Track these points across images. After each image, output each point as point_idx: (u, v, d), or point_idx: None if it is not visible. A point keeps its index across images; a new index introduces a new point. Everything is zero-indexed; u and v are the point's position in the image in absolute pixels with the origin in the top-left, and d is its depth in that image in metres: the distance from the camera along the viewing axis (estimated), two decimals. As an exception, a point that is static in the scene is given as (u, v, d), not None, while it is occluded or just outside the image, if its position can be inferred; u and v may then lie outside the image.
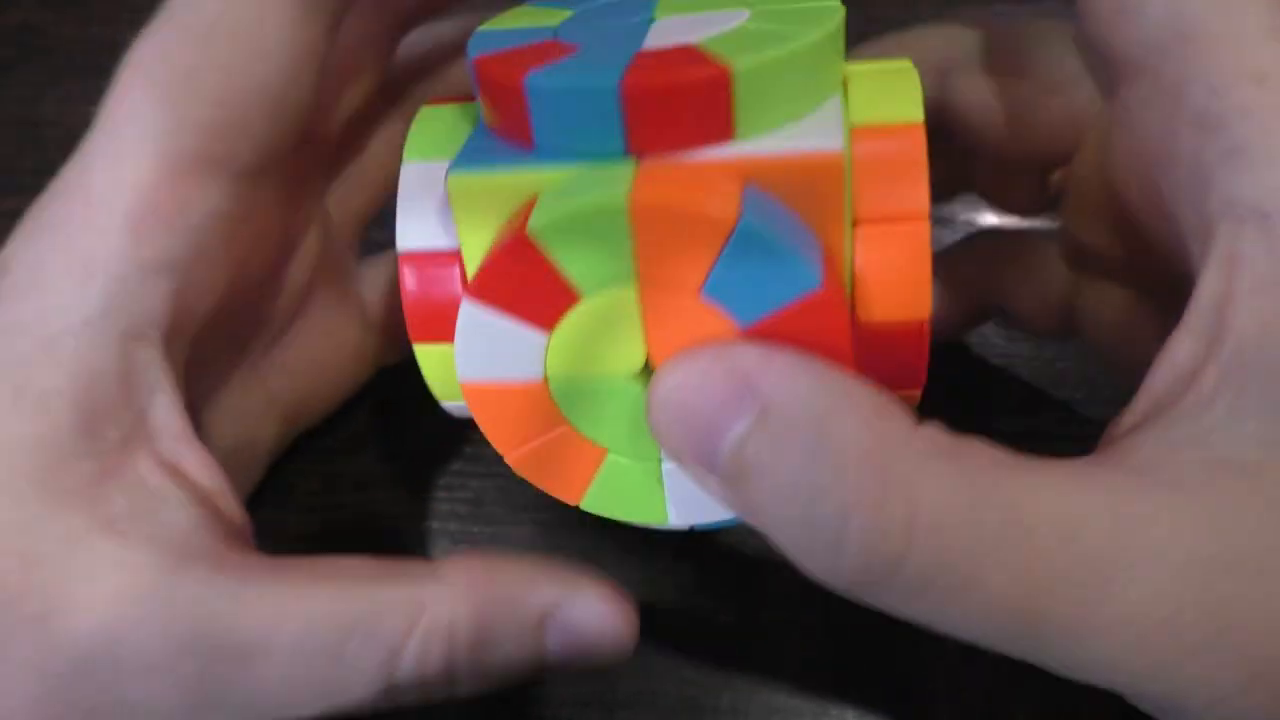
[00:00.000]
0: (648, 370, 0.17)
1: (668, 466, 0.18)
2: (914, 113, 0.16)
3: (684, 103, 0.15)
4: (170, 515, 0.18)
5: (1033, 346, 0.28)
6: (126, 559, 0.17)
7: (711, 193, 0.15)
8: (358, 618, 0.17)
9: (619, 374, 0.17)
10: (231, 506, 0.19)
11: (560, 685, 0.23)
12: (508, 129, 0.16)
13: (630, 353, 0.16)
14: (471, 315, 0.16)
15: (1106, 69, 0.17)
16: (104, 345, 0.18)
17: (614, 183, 0.15)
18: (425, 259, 0.18)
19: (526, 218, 0.15)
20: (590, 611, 0.18)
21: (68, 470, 0.17)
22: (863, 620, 0.22)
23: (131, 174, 0.18)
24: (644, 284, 0.15)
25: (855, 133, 0.16)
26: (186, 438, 0.19)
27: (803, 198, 0.15)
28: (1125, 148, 0.18)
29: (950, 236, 0.29)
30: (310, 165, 0.23)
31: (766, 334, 0.15)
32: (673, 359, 0.15)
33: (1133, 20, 0.16)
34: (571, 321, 0.16)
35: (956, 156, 0.24)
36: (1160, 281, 0.19)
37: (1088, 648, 0.14)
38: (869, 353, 0.17)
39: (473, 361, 0.17)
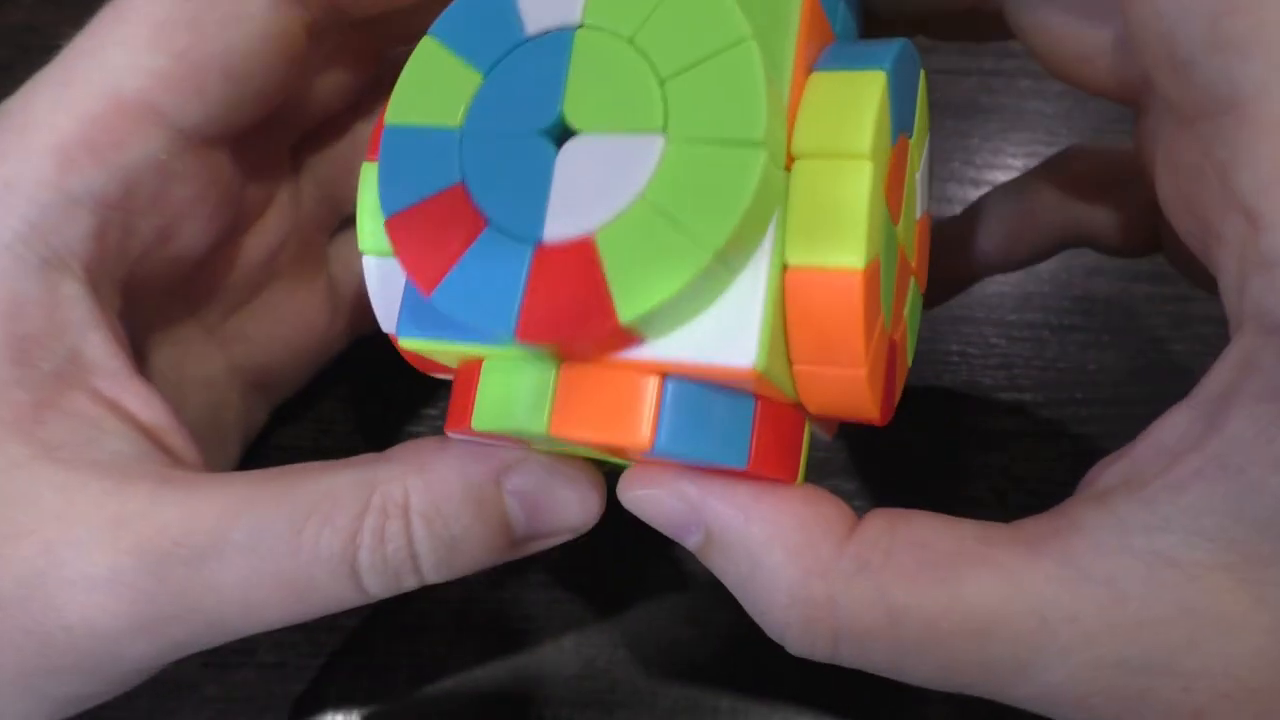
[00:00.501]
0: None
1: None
2: (853, 255, 0.15)
3: (584, 341, 0.15)
4: (112, 444, 0.18)
5: (1033, 346, 0.28)
6: (69, 482, 0.17)
7: (626, 413, 0.15)
8: (310, 504, 0.17)
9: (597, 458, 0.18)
10: (180, 442, 0.19)
11: (560, 686, 0.23)
12: None
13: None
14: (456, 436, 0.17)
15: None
16: (25, 272, 0.17)
17: (536, 402, 0.16)
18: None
19: (472, 401, 0.16)
20: (549, 467, 0.18)
21: (2, 401, 0.17)
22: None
23: (74, 105, 0.18)
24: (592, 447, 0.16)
25: (789, 275, 0.15)
26: (125, 374, 0.18)
27: (726, 385, 0.15)
28: (1169, 184, 0.17)
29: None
30: (278, 144, 0.23)
31: (709, 473, 0.17)
32: (635, 474, 0.17)
33: (1185, 79, 0.15)
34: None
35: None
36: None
37: (1024, 707, 0.16)
38: (826, 420, 0.18)
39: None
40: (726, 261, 0.14)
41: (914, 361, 0.21)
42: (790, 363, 0.16)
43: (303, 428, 0.27)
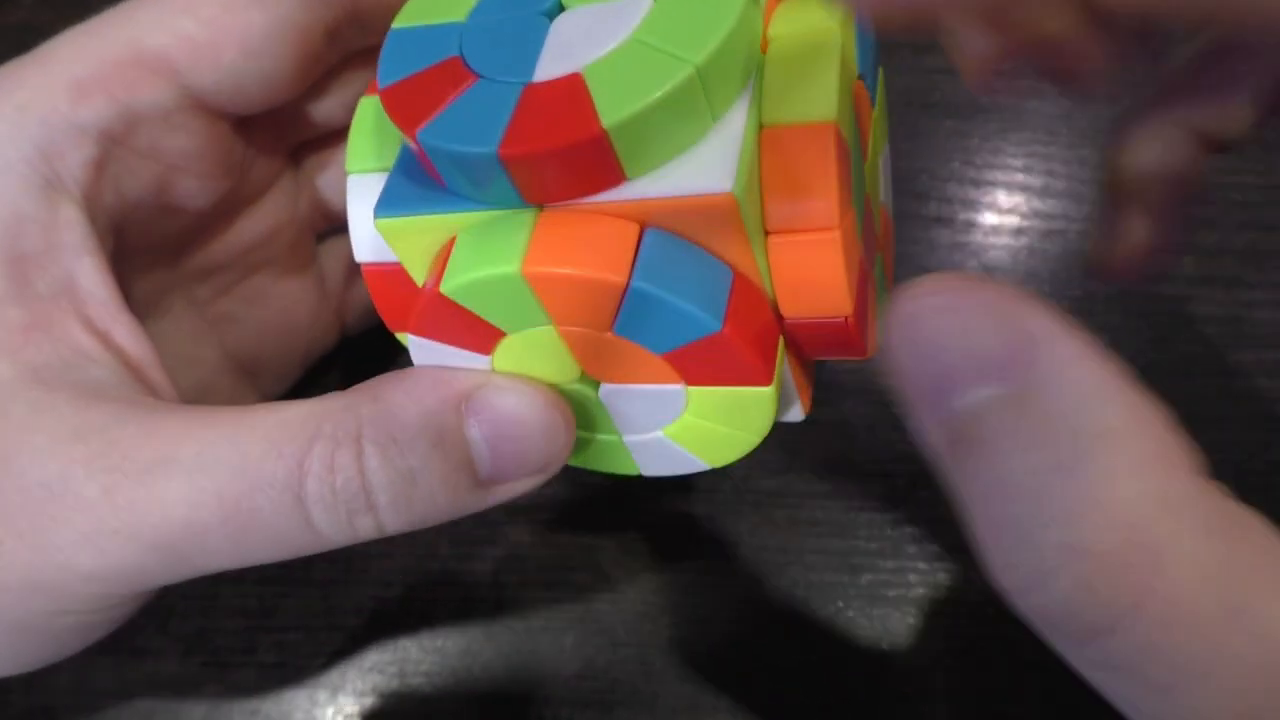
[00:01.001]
0: (586, 379, 0.17)
1: (630, 439, 0.18)
2: (825, 108, 0.15)
3: (564, 163, 0.15)
4: (95, 371, 0.18)
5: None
6: (41, 400, 0.17)
7: (602, 252, 0.15)
8: (258, 431, 0.16)
9: (561, 383, 0.18)
10: (160, 378, 0.19)
11: (560, 686, 0.23)
12: (423, 164, 0.16)
13: (565, 369, 0.17)
14: (419, 344, 0.17)
15: None
16: (28, 192, 0.18)
17: (510, 245, 0.15)
18: (382, 269, 0.18)
19: (442, 270, 0.16)
20: (512, 395, 0.17)
21: None
22: (863, 621, 0.22)
23: (96, 49, 0.19)
24: (559, 326, 0.16)
25: (764, 135, 0.16)
26: (115, 305, 0.19)
27: (702, 231, 0.15)
28: None
29: (949, 237, 0.29)
30: (282, 139, 0.23)
31: (683, 359, 0.16)
32: (937, 278, 0.12)
33: None
34: (506, 346, 0.17)
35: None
36: None
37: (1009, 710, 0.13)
38: (801, 339, 0.17)
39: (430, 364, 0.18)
40: (707, 89, 0.15)
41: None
42: (765, 233, 0.16)
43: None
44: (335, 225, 0.26)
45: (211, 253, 0.23)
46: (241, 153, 0.22)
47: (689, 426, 0.18)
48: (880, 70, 0.20)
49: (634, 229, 0.15)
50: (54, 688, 0.24)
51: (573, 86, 0.15)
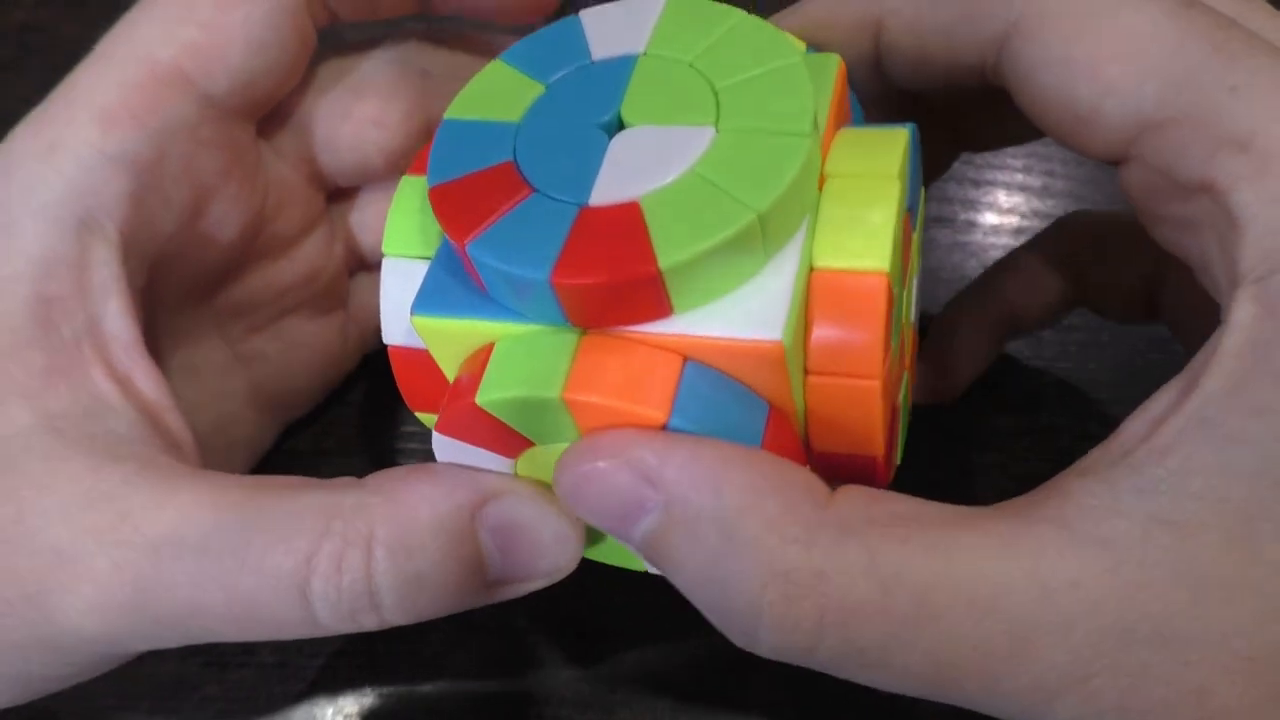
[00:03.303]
0: None
1: None
2: (879, 258, 0.15)
3: (615, 296, 0.15)
4: (111, 422, 0.18)
5: (1033, 346, 0.28)
6: (56, 453, 0.17)
7: (644, 387, 0.15)
8: (268, 518, 0.16)
9: None
10: (177, 424, 0.19)
11: (560, 686, 0.23)
12: (466, 267, 0.16)
13: None
14: (444, 442, 0.17)
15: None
16: (61, 232, 0.18)
17: (552, 367, 0.15)
18: (410, 353, 0.18)
19: (478, 378, 0.16)
20: (528, 504, 0.17)
21: (17, 359, 0.17)
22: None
23: (113, 74, 0.19)
24: None
25: (815, 277, 0.16)
26: (138, 349, 0.19)
27: (745, 371, 0.15)
28: (1143, 204, 0.18)
29: (950, 237, 0.29)
30: (311, 171, 0.24)
31: None
32: (574, 449, 0.15)
33: (1096, 127, 0.16)
34: (532, 454, 0.17)
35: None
36: None
37: (1002, 705, 0.15)
38: (827, 468, 0.17)
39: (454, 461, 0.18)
40: (765, 233, 0.15)
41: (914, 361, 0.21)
42: (805, 372, 0.16)
43: (302, 431, 0.27)
44: (369, 265, 0.26)
45: (247, 291, 0.23)
46: (267, 172, 0.22)
47: None
48: (923, 192, 0.20)
49: (676, 364, 0.15)
50: (54, 688, 0.24)
51: (629, 216, 0.15)
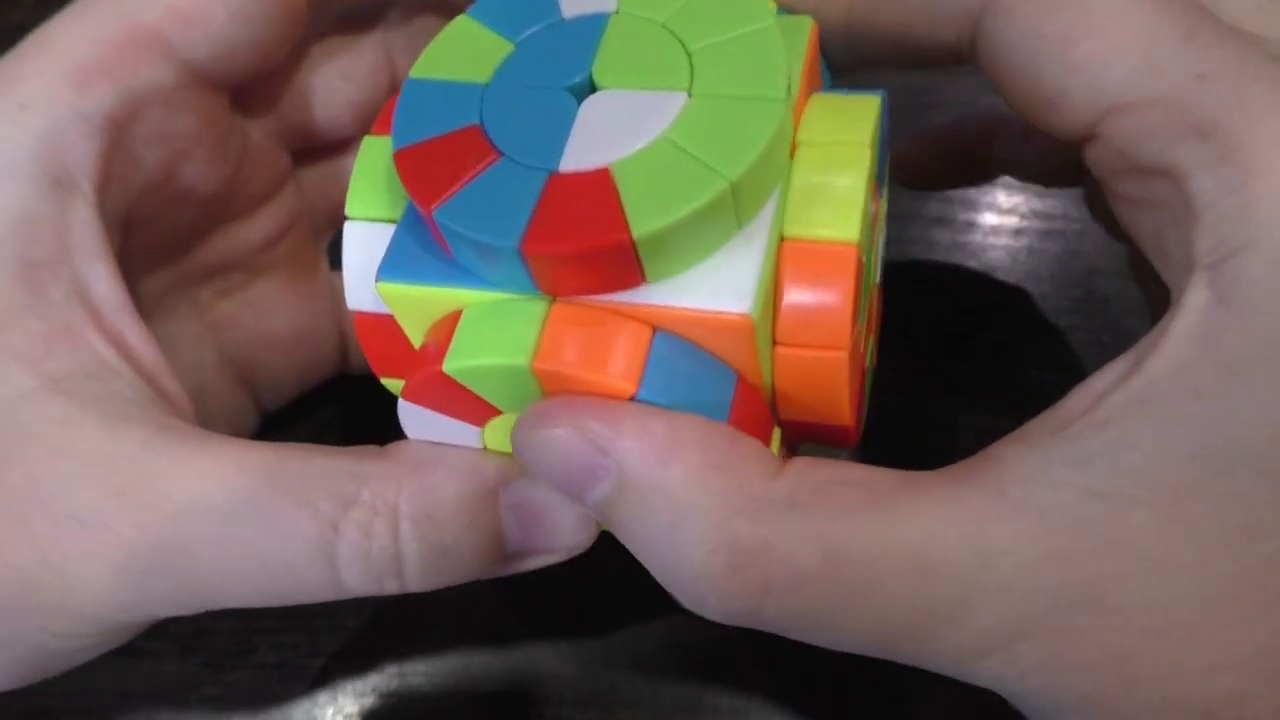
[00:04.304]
0: None
1: None
2: (849, 228, 0.15)
3: (586, 265, 0.15)
4: (115, 384, 0.17)
5: (1033, 345, 0.28)
6: (69, 417, 0.17)
7: (614, 358, 0.15)
8: (297, 483, 0.16)
9: None
10: (174, 388, 0.19)
11: (560, 686, 0.23)
12: (433, 232, 0.16)
13: None
14: (410, 410, 0.17)
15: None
16: (38, 193, 0.18)
17: (521, 335, 0.15)
18: (374, 318, 0.18)
19: (445, 345, 0.15)
20: (551, 490, 0.17)
21: (14, 327, 0.17)
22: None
23: (90, 31, 0.18)
24: None
25: (784, 246, 0.16)
26: (128, 312, 0.19)
27: (714, 344, 0.15)
28: (1104, 183, 0.18)
29: (950, 237, 0.29)
30: (282, 136, 0.23)
31: None
32: (530, 412, 0.15)
33: (1061, 107, 0.17)
34: (499, 422, 0.17)
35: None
36: None
37: (940, 663, 0.15)
38: (796, 435, 0.17)
39: (417, 434, 0.18)
40: (738, 201, 0.15)
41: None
42: (773, 343, 0.16)
43: (301, 429, 0.27)
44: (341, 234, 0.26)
45: (215, 252, 0.23)
46: (241, 135, 0.22)
47: None
48: (888, 155, 0.20)
49: (646, 334, 0.15)
50: (54, 688, 0.24)
51: (600, 183, 0.15)
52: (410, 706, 0.24)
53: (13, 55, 0.19)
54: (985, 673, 0.15)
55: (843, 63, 0.20)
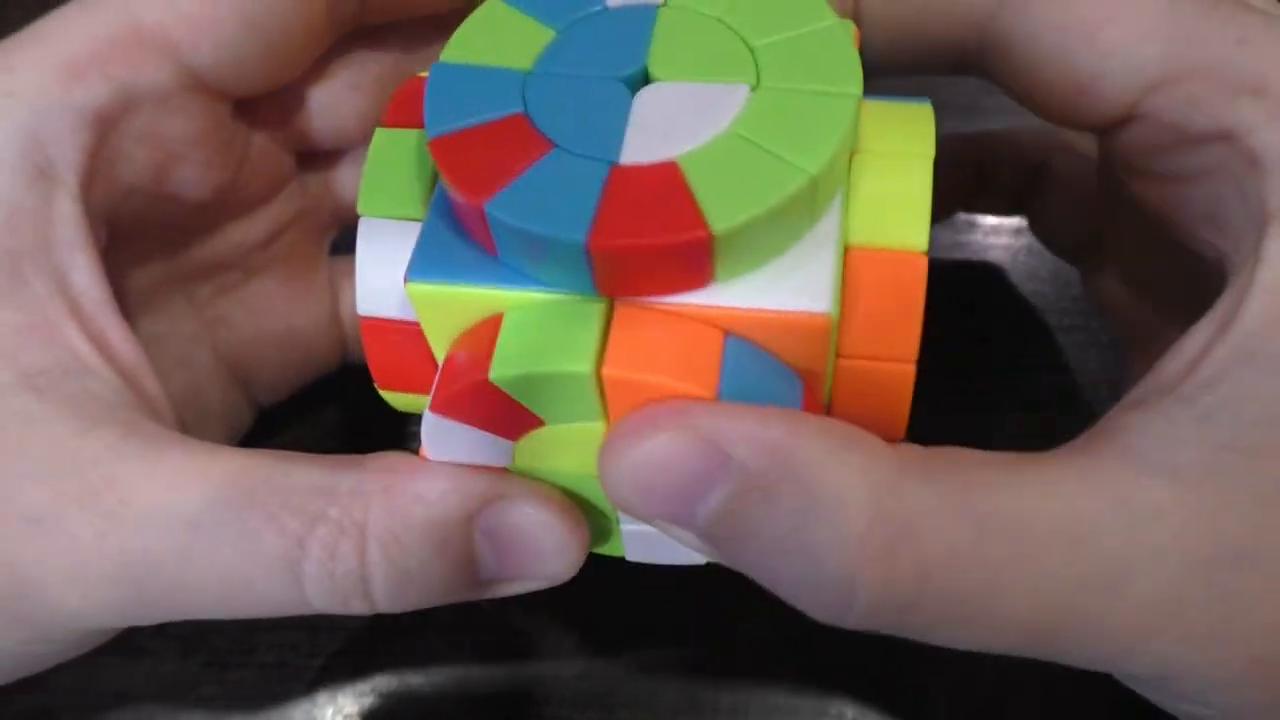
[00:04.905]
0: None
1: (627, 529, 0.17)
2: (918, 237, 0.15)
3: (657, 262, 0.14)
4: (90, 383, 0.17)
5: (1033, 346, 0.28)
6: (36, 414, 0.16)
7: (688, 362, 0.14)
8: (263, 496, 0.16)
9: (585, 472, 0.16)
10: (154, 388, 0.19)
11: (560, 686, 0.23)
12: (470, 227, 0.15)
13: (591, 460, 0.15)
14: (436, 423, 0.15)
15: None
16: (21, 184, 0.17)
17: (581, 340, 0.14)
18: (387, 325, 0.17)
19: (488, 354, 0.14)
20: (530, 510, 0.16)
21: None
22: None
23: (89, 26, 0.18)
24: (611, 422, 0.15)
25: (851, 255, 0.15)
26: (109, 307, 0.18)
27: (784, 345, 0.14)
28: (1129, 165, 0.18)
29: (950, 237, 0.29)
30: (284, 128, 0.23)
31: None
32: (623, 428, 0.14)
33: (1097, 92, 0.17)
34: (537, 434, 0.16)
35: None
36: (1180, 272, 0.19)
37: (1100, 648, 0.14)
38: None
39: (440, 450, 0.16)
40: (815, 198, 0.14)
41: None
42: (837, 355, 0.15)
43: (304, 429, 0.27)
44: (344, 232, 0.26)
45: (212, 250, 0.23)
46: (243, 141, 0.22)
47: None
48: None
49: (718, 338, 0.14)
50: (54, 688, 0.24)
51: (669, 177, 0.14)
52: (410, 706, 0.23)
53: (6, 43, 0.18)
54: (1150, 656, 0.14)
55: None
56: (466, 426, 0.15)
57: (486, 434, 0.15)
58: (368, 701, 0.24)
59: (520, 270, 0.14)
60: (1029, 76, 0.17)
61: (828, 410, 0.16)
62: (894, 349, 0.15)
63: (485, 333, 0.15)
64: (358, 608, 0.16)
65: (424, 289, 0.15)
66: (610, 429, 0.14)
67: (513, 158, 0.14)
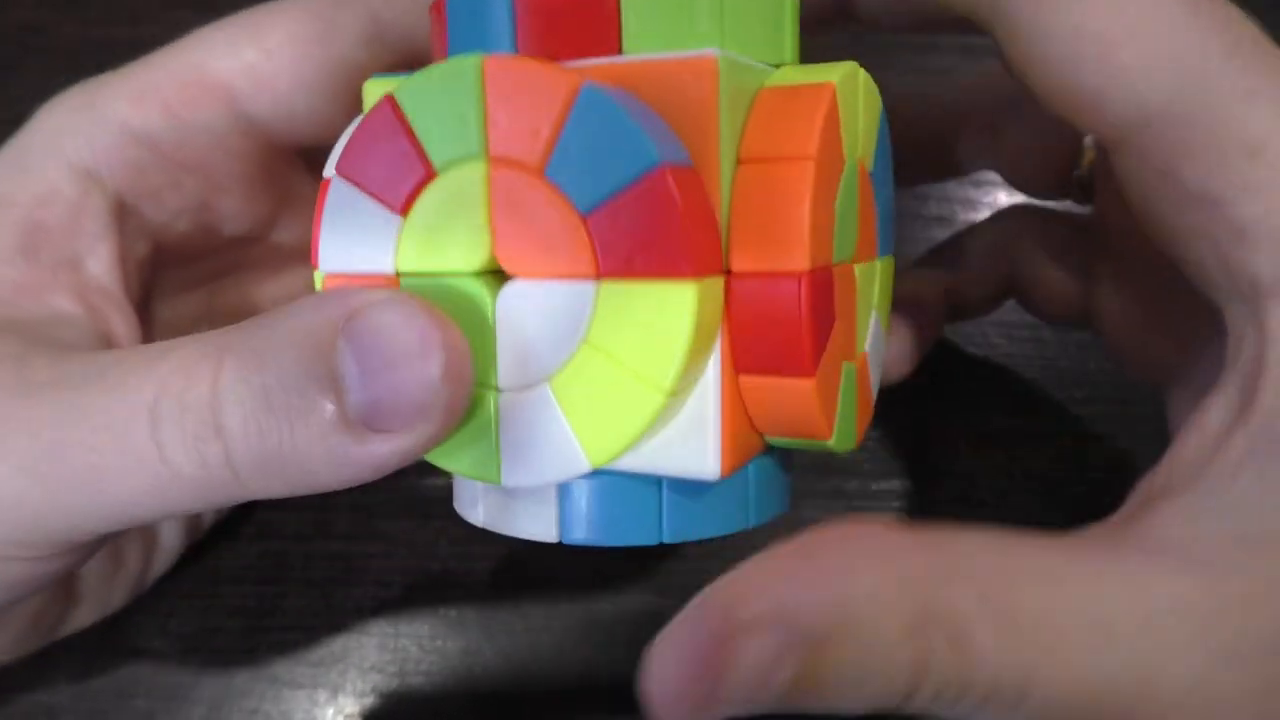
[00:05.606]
0: (494, 274, 0.16)
1: (506, 400, 0.16)
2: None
3: (570, 14, 0.16)
4: (66, 333, 0.18)
5: (1033, 346, 0.28)
6: (12, 350, 0.17)
7: (561, 70, 0.15)
8: (144, 351, 0.16)
9: (464, 270, 0.16)
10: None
11: (560, 686, 0.23)
12: (433, 46, 0.17)
13: (476, 244, 0.16)
14: (337, 193, 0.16)
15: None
16: (67, 174, 0.20)
17: (468, 61, 0.15)
18: (350, 280, 0.17)
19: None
20: (396, 305, 0.15)
21: None
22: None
23: (164, 66, 0.20)
24: (491, 160, 0.15)
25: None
26: (118, 299, 0.20)
27: (677, 106, 0.15)
28: (1133, 196, 0.17)
29: (948, 235, 0.29)
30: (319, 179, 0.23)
31: (608, 223, 0.15)
32: (659, 650, 0.14)
33: (1098, 110, 0.16)
34: (423, 204, 0.16)
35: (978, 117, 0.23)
36: (1181, 285, 0.19)
37: None
38: (745, 312, 0.16)
39: (333, 250, 0.17)
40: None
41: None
42: (737, 162, 0.15)
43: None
44: None
45: (244, 255, 0.24)
46: (285, 183, 0.23)
47: (582, 369, 0.15)
48: (892, 260, 0.20)
49: (582, 75, 0.15)
50: (54, 688, 0.24)
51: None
52: (410, 706, 0.24)
53: (114, 72, 0.21)
54: None
55: (823, 14, 0.20)
56: (362, 196, 0.16)
57: (378, 206, 0.16)
58: (368, 701, 0.24)
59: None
60: (1037, 72, 0.17)
61: (726, 236, 0.15)
62: (792, 146, 0.15)
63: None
64: (213, 454, 0.15)
65: (379, 84, 0.18)
66: (649, 657, 0.15)
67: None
